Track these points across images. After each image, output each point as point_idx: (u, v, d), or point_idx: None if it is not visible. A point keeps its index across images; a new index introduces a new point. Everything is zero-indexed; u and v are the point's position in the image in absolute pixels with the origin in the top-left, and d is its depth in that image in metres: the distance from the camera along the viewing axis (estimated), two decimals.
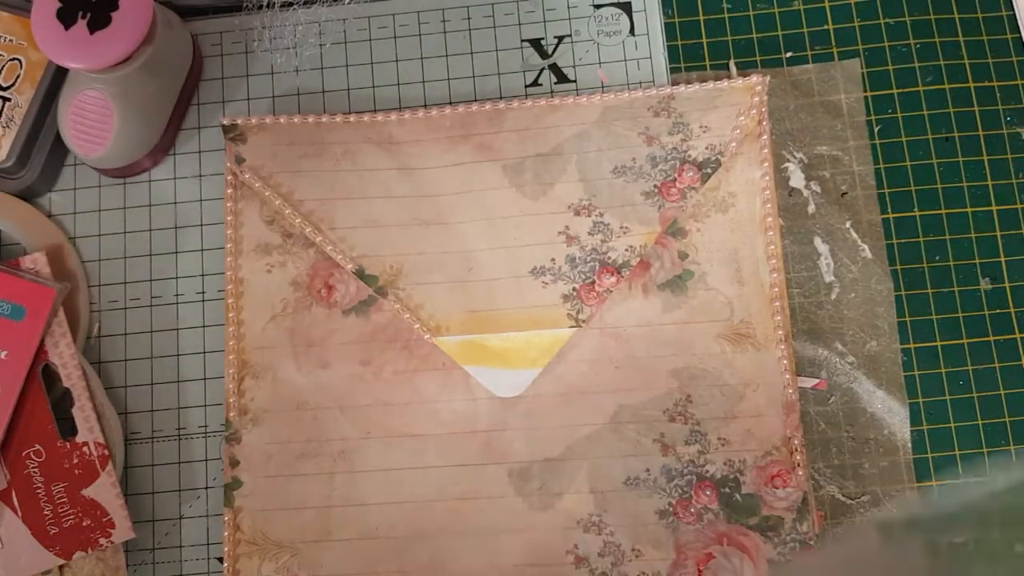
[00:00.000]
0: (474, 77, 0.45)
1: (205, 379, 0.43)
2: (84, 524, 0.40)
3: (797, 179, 0.43)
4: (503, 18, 0.46)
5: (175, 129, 0.45)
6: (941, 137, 0.43)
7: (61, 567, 0.40)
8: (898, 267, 0.42)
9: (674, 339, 0.42)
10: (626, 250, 0.42)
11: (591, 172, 0.43)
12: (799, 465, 0.40)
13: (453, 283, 0.42)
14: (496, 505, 0.41)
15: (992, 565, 0.26)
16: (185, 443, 0.43)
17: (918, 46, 0.44)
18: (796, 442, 0.40)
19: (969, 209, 0.43)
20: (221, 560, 0.41)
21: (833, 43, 0.44)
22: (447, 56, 0.45)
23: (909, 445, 0.41)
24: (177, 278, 0.44)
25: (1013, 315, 0.42)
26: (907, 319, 0.42)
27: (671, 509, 0.40)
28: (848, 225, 0.43)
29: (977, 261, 0.42)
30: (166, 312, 0.44)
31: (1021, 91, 0.44)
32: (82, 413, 0.41)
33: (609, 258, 0.42)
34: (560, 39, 0.45)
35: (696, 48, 0.45)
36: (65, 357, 0.41)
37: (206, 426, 0.43)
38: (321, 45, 0.46)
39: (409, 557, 0.40)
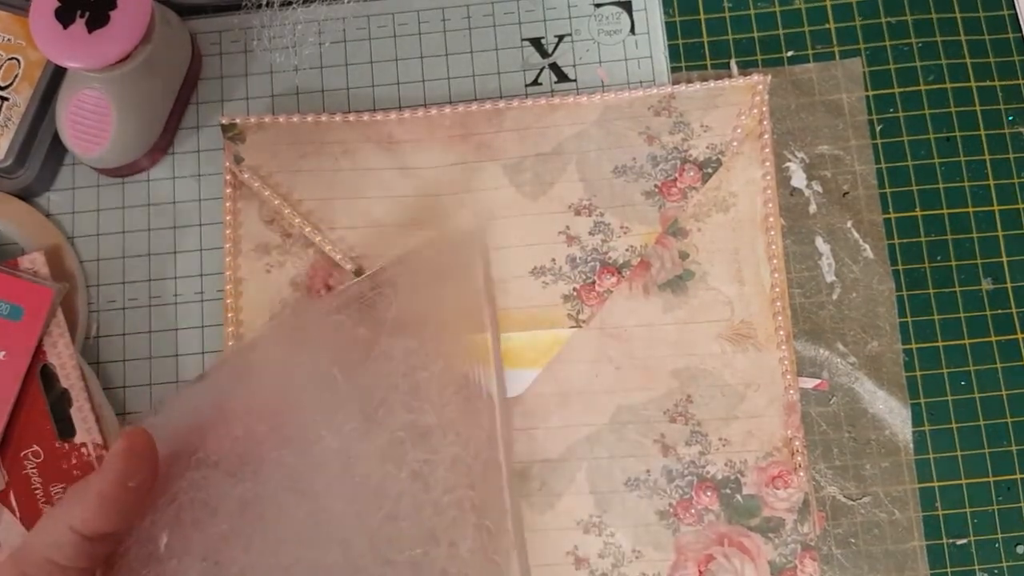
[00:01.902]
0: (474, 76, 0.45)
1: None
2: None
3: (798, 179, 0.43)
4: (503, 17, 0.45)
5: (174, 128, 0.45)
6: (943, 137, 0.43)
7: None
8: (900, 267, 0.42)
9: (674, 339, 0.41)
10: (626, 250, 0.42)
11: (591, 172, 0.43)
12: (800, 466, 0.40)
13: None
14: None
15: None
16: None
17: (920, 45, 0.44)
18: (797, 443, 0.40)
19: (971, 209, 0.43)
20: None
21: (834, 42, 0.44)
22: (447, 55, 0.45)
23: (911, 446, 0.41)
24: (176, 278, 0.44)
25: (1015, 315, 0.42)
26: (909, 319, 0.42)
27: (671, 510, 0.40)
28: (850, 225, 0.43)
29: (979, 261, 0.42)
30: (165, 312, 0.44)
31: (1023, 90, 0.43)
32: (80, 414, 0.41)
33: (609, 258, 0.42)
34: (560, 38, 0.45)
35: (697, 47, 0.45)
36: (63, 357, 0.41)
37: None
38: (320, 44, 0.46)
39: None
